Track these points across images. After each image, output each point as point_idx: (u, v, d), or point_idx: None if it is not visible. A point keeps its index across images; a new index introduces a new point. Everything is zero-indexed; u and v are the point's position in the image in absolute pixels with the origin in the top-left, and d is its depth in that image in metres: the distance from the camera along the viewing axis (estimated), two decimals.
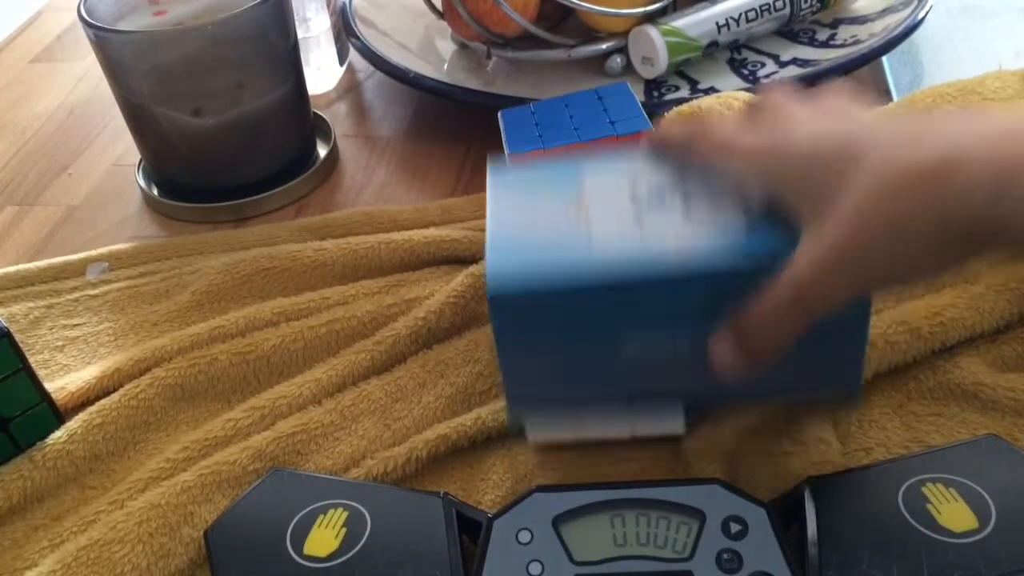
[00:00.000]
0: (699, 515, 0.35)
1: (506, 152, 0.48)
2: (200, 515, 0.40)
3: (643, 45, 0.65)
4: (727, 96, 0.55)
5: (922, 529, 0.33)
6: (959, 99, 0.53)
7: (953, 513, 0.34)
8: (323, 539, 0.35)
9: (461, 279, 0.51)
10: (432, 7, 0.72)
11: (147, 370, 0.48)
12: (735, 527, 0.35)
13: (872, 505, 0.34)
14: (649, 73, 0.66)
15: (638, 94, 0.62)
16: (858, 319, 0.35)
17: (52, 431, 0.45)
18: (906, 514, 0.34)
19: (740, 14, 0.66)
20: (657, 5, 0.65)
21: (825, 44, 0.68)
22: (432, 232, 0.55)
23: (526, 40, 0.67)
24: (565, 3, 0.63)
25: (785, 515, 0.36)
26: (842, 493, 0.35)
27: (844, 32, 0.69)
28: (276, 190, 0.62)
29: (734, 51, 0.69)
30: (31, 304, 0.55)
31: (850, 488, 0.35)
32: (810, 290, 0.32)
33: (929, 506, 0.34)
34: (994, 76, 0.55)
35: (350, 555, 0.35)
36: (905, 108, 0.52)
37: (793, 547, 0.34)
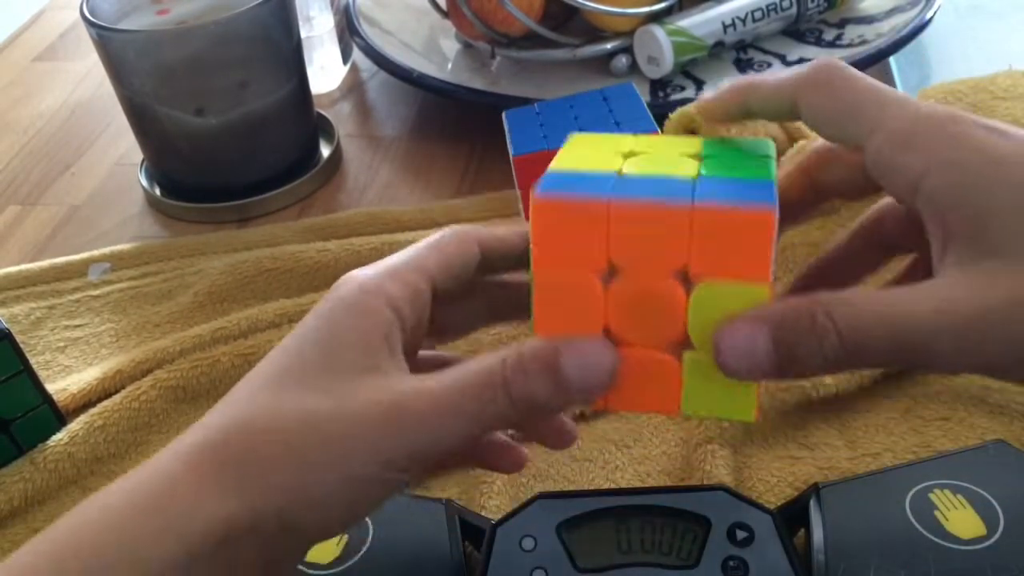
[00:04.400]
0: (704, 522, 0.35)
1: (510, 153, 0.47)
2: None
3: (648, 45, 0.65)
4: None
5: (930, 536, 0.33)
6: (970, 97, 0.53)
7: (961, 520, 0.34)
8: (325, 546, 0.35)
9: None
10: (436, 6, 0.71)
11: (149, 371, 0.48)
12: (741, 534, 0.34)
13: (879, 511, 0.34)
14: (655, 73, 0.66)
15: (643, 94, 0.62)
16: None
17: (53, 433, 0.45)
18: (913, 520, 0.34)
19: (746, 14, 0.66)
20: (662, 5, 0.65)
21: (832, 44, 0.68)
22: None
23: (531, 40, 0.67)
24: (570, 3, 0.63)
25: (791, 522, 0.35)
26: (849, 499, 0.35)
27: (851, 32, 0.68)
28: (279, 190, 0.62)
29: (740, 51, 0.69)
30: (33, 305, 0.54)
31: (857, 494, 0.35)
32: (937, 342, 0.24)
33: (937, 512, 0.34)
34: (1005, 75, 0.55)
35: (352, 562, 0.35)
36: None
37: (799, 554, 0.34)
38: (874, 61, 0.63)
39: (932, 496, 0.34)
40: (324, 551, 0.35)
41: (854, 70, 0.28)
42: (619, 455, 0.42)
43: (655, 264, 0.26)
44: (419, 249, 0.31)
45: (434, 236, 0.31)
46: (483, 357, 0.27)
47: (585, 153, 0.30)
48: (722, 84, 0.33)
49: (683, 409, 0.28)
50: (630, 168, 0.28)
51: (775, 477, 0.39)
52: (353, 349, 0.28)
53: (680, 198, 0.26)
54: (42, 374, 0.45)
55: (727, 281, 0.26)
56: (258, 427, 0.26)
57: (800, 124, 0.54)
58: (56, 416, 0.45)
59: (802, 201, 0.32)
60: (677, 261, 0.26)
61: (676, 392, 0.28)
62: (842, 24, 0.70)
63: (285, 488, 0.26)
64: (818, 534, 0.34)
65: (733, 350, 0.25)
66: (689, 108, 0.54)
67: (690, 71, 0.67)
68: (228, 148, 0.61)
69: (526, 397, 0.26)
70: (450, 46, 0.73)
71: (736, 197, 0.26)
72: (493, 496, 0.40)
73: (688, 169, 0.28)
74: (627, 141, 0.31)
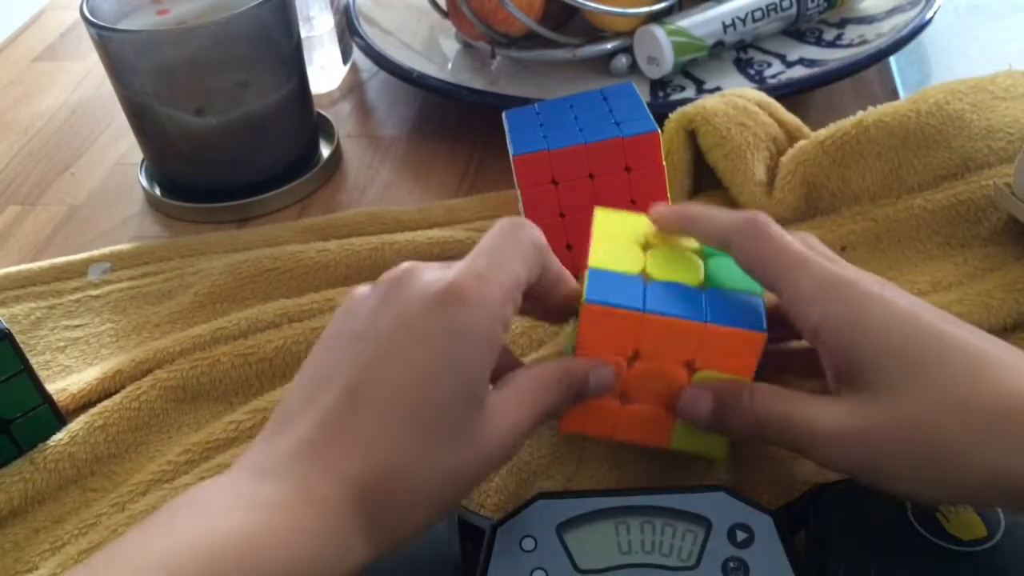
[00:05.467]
0: (705, 523, 0.35)
1: (510, 153, 0.47)
2: None
3: (648, 45, 0.65)
4: (732, 95, 0.55)
5: (930, 537, 0.33)
6: (970, 96, 0.53)
7: (962, 521, 0.34)
8: None
9: None
10: (436, 6, 0.71)
11: (149, 371, 0.48)
12: (741, 535, 0.34)
13: (880, 513, 0.34)
14: (655, 73, 0.66)
15: (643, 94, 0.62)
16: None
17: (53, 433, 0.45)
18: (914, 522, 0.34)
19: (746, 14, 0.66)
20: (663, 5, 0.65)
21: (832, 44, 0.68)
22: (436, 233, 0.55)
23: (531, 40, 0.67)
24: (570, 2, 0.63)
25: (792, 523, 0.35)
26: (849, 500, 0.35)
27: (851, 32, 0.68)
28: (279, 190, 0.62)
29: (740, 51, 0.69)
30: (33, 305, 0.54)
31: (857, 495, 0.35)
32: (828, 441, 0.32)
33: (938, 514, 0.34)
34: (1005, 75, 0.55)
35: None
36: (915, 102, 0.52)
37: (800, 555, 0.34)
38: (874, 61, 0.63)
39: None
40: None
41: (777, 228, 0.35)
42: (619, 455, 0.42)
43: (670, 356, 0.36)
44: (516, 257, 0.33)
45: (515, 240, 0.33)
46: (534, 373, 0.34)
47: (612, 247, 0.38)
48: (673, 207, 0.40)
49: (673, 445, 0.38)
50: (653, 269, 0.37)
51: (775, 476, 0.39)
52: (481, 380, 0.31)
53: (695, 316, 0.35)
54: (42, 374, 0.45)
55: (722, 372, 0.36)
56: (400, 475, 0.29)
57: (800, 124, 0.55)
58: (56, 416, 0.45)
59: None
60: (687, 356, 0.36)
61: (668, 434, 0.38)
62: (842, 24, 0.70)
63: (416, 527, 0.30)
64: (818, 535, 0.34)
65: (687, 403, 0.36)
66: (688, 108, 0.54)
67: (690, 71, 0.67)
68: (228, 148, 0.61)
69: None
70: (450, 46, 0.73)
71: (737, 319, 0.35)
72: (492, 496, 0.40)
73: (696, 272, 0.38)
74: (643, 224, 0.40)
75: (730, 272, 0.37)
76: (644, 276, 0.37)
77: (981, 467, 0.29)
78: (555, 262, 0.36)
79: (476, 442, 0.30)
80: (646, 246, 0.39)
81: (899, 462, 0.30)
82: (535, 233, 0.34)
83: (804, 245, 0.35)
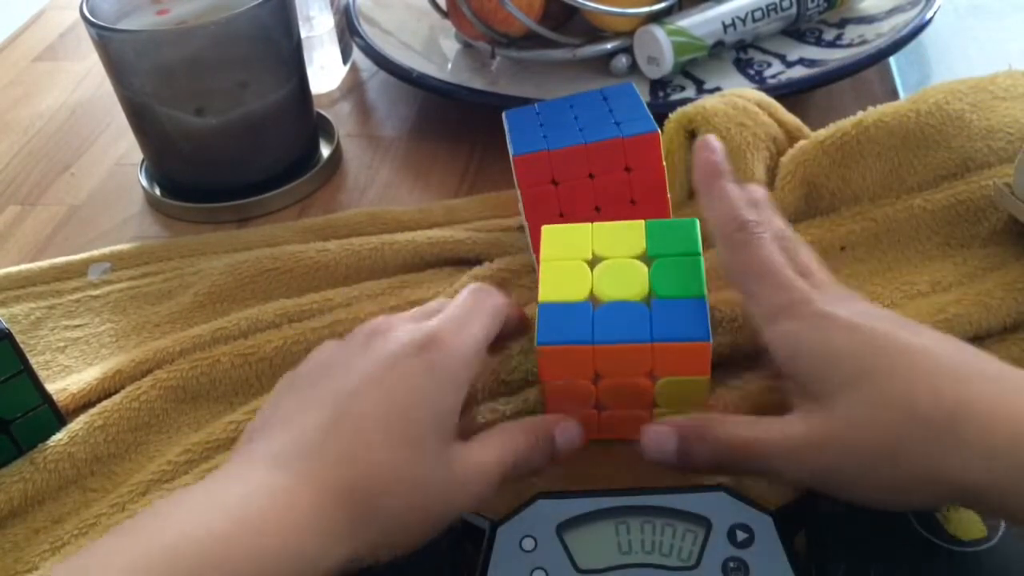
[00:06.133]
0: (705, 523, 0.35)
1: (510, 153, 0.47)
2: None
3: (648, 45, 0.65)
4: (732, 95, 0.55)
5: (930, 537, 0.33)
6: (970, 96, 0.53)
7: (962, 521, 0.34)
8: None
9: (464, 280, 0.51)
10: (436, 6, 0.71)
11: (149, 371, 0.48)
12: (741, 535, 0.34)
13: (880, 513, 0.34)
14: (655, 73, 0.66)
15: (643, 94, 0.62)
16: None
17: (53, 433, 0.45)
18: (914, 522, 0.34)
19: (746, 14, 0.66)
20: (662, 5, 0.65)
21: (832, 44, 0.68)
22: (436, 233, 0.55)
23: (531, 40, 0.67)
24: (570, 2, 0.63)
25: (792, 523, 0.35)
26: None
27: (851, 32, 0.68)
28: (279, 190, 0.62)
29: (740, 51, 0.69)
30: (32, 305, 0.54)
31: None
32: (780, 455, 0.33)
33: (938, 514, 0.34)
34: (1005, 75, 0.55)
35: None
36: (915, 102, 0.52)
37: (800, 555, 0.34)
38: (874, 61, 0.63)
39: None
40: None
41: (761, 238, 0.37)
42: (619, 455, 0.42)
43: (629, 372, 0.39)
44: (484, 317, 0.38)
45: (482, 305, 0.38)
46: (499, 427, 0.37)
47: (560, 271, 0.41)
48: (709, 140, 0.42)
49: None
50: (599, 289, 0.40)
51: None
52: (451, 416, 0.34)
53: (643, 337, 0.38)
54: (42, 374, 0.45)
55: (681, 376, 0.39)
56: (382, 484, 0.31)
57: (800, 124, 0.55)
58: (56, 416, 0.45)
59: None
60: (645, 370, 0.39)
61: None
62: (842, 24, 0.70)
63: (395, 534, 0.32)
64: (818, 535, 0.34)
65: (653, 445, 0.36)
66: (688, 108, 0.54)
67: (690, 71, 0.67)
68: (228, 148, 0.61)
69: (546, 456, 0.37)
70: (450, 46, 0.73)
71: (683, 331, 0.38)
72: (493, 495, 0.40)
73: (641, 284, 0.39)
74: (587, 235, 0.42)
75: (676, 273, 0.40)
76: (592, 300, 0.39)
77: (920, 470, 0.30)
78: (512, 315, 0.41)
79: (450, 467, 0.33)
80: (593, 261, 0.41)
81: (849, 468, 0.32)
82: (499, 299, 0.39)
83: (785, 255, 0.37)
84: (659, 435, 0.36)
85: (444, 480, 0.33)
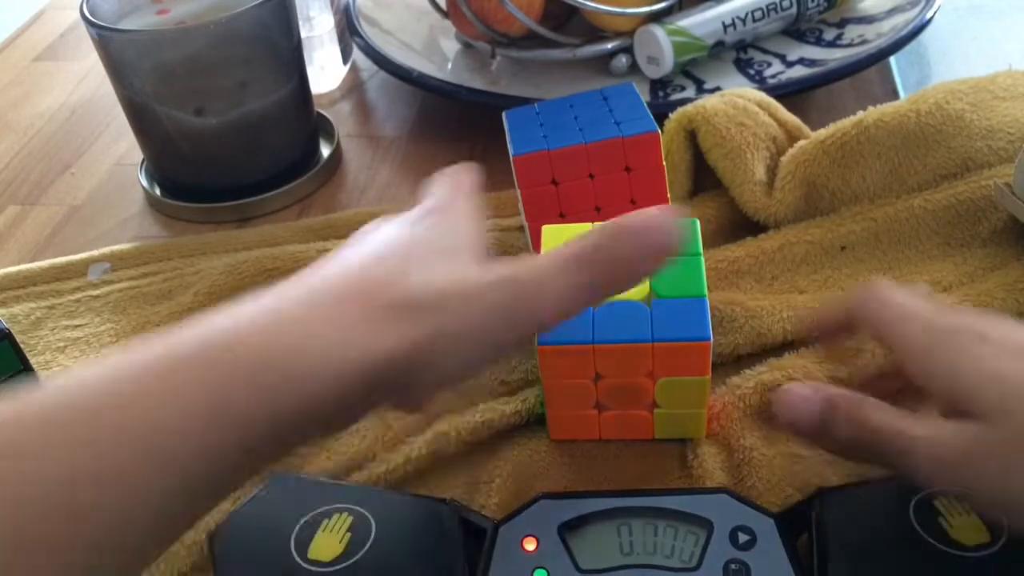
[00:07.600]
0: (707, 524, 0.35)
1: (510, 153, 0.47)
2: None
3: (648, 45, 0.65)
4: (732, 94, 0.55)
5: (933, 542, 0.33)
6: (970, 96, 0.53)
7: (965, 526, 0.33)
8: (327, 544, 0.35)
9: None
10: (436, 6, 0.71)
11: None
12: (743, 537, 0.34)
13: (883, 517, 0.33)
14: (655, 73, 0.66)
15: (643, 94, 0.62)
16: None
17: None
18: (917, 527, 0.33)
19: (746, 13, 0.66)
20: (663, 4, 0.65)
21: (832, 44, 0.68)
22: None
23: (531, 39, 0.67)
24: (570, 2, 0.63)
25: (794, 526, 0.35)
26: (852, 504, 0.35)
27: (851, 32, 0.68)
28: (279, 190, 0.62)
29: (740, 51, 0.69)
30: (32, 305, 0.54)
31: (860, 499, 0.35)
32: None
33: (941, 519, 0.34)
34: (1006, 75, 0.55)
35: (354, 560, 0.35)
36: (915, 102, 0.52)
37: (802, 558, 0.34)
38: (874, 61, 0.63)
39: (936, 502, 0.34)
40: (327, 549, 0.35)
41: (886, 288, 0.35)
42: (621, 456, 0.42)
43: (629, 372, 0.39)
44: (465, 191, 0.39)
45: (465, 178, 0.40)
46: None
47: None
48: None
49: (656, 435, 0.42)
50: None
51: (776, 476, 0.39)
52: (479, 244, 0.33)
53: (643, 336, 0.38)
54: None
55: (681, 377, 0.39)
56: (422, 282, 0.30)
57: (800, 124, 0.55)
58: None
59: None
60: (645, 370, 0.39)
61: (649, 427, 0.42)
62: (842, 24, 0.70)
63: (435, 330, 0.29)
64: (821, 539, 0.34)
65: (793, 402, 0.34)
66: (688, 108, 0.54)
67: (690, 71, 0.67)
68: (228, 148, 0.61)
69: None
70: (450, 46, 0.73)
71: (683, 330, 0.38)
72: (494, 496, 0.40)
73: (642, 285, 0.39)
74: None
75: (676, 273, 0.40)
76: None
77: None
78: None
79: (478, 270, 0.31)
80: None
81: (993, 482, 0.30)
82: (472, 177, 0.40)
83: (913, 297, 0.35)
84: (803, 397, 0.34)
85: (493, 283, 0.30)
